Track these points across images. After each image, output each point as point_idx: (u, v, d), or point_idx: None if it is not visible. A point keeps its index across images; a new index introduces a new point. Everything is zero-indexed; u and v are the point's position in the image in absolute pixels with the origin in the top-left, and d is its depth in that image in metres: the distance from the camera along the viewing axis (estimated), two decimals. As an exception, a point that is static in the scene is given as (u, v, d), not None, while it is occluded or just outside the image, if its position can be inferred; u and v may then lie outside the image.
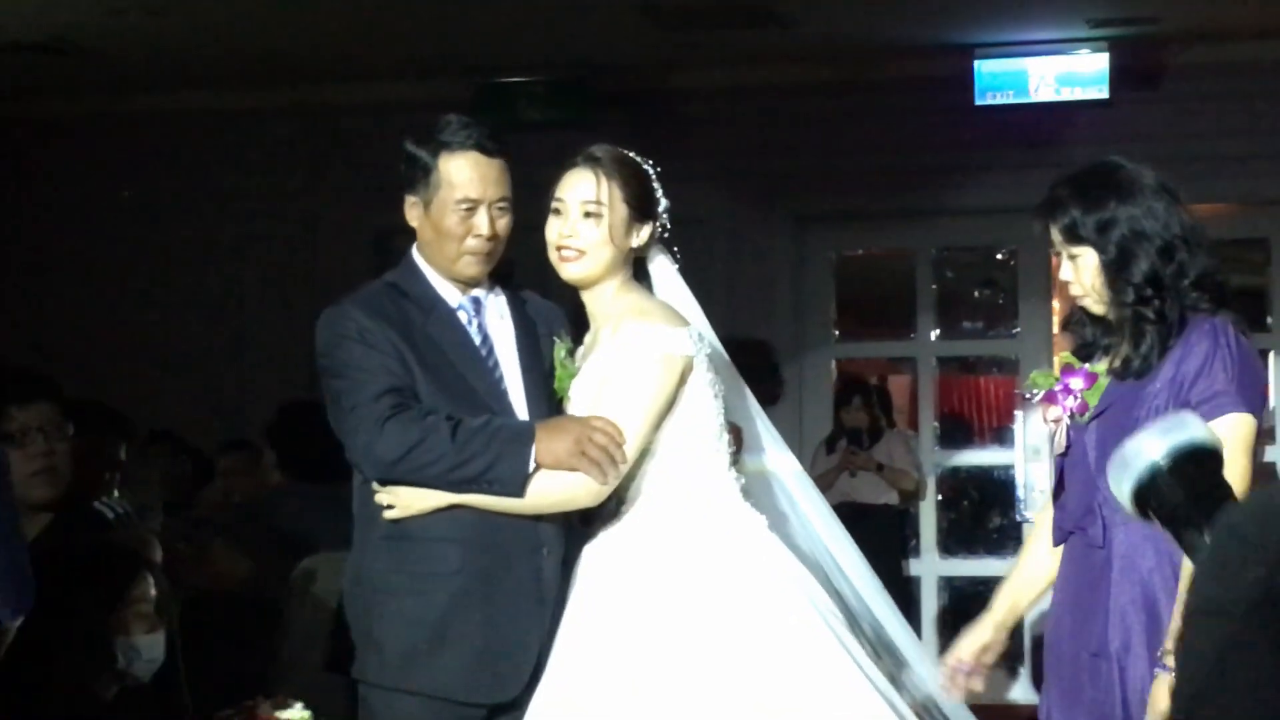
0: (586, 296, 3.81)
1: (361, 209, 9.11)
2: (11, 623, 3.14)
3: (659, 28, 8.54)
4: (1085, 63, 8.89)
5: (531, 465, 3.57)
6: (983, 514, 10.56)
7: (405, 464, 3.58)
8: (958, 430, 10.76)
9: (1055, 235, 3.61)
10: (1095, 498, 3.53)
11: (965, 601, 10.11)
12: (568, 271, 3.77)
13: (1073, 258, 3.59)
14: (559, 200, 3.77)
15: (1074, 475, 3.63)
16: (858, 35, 8.86)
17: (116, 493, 5.18)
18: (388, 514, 3.65)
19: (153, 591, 4.25)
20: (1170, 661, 3.34)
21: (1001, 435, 10.28)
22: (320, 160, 9.93)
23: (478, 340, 3.81)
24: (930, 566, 9.77)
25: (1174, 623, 3.38)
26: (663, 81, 9.51)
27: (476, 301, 3.84)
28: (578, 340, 3.89)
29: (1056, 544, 3.71)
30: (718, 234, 9.50)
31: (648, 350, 3.66)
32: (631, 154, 3.86)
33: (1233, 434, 3.36)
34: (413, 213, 3.82)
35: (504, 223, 3.80)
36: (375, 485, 3.68)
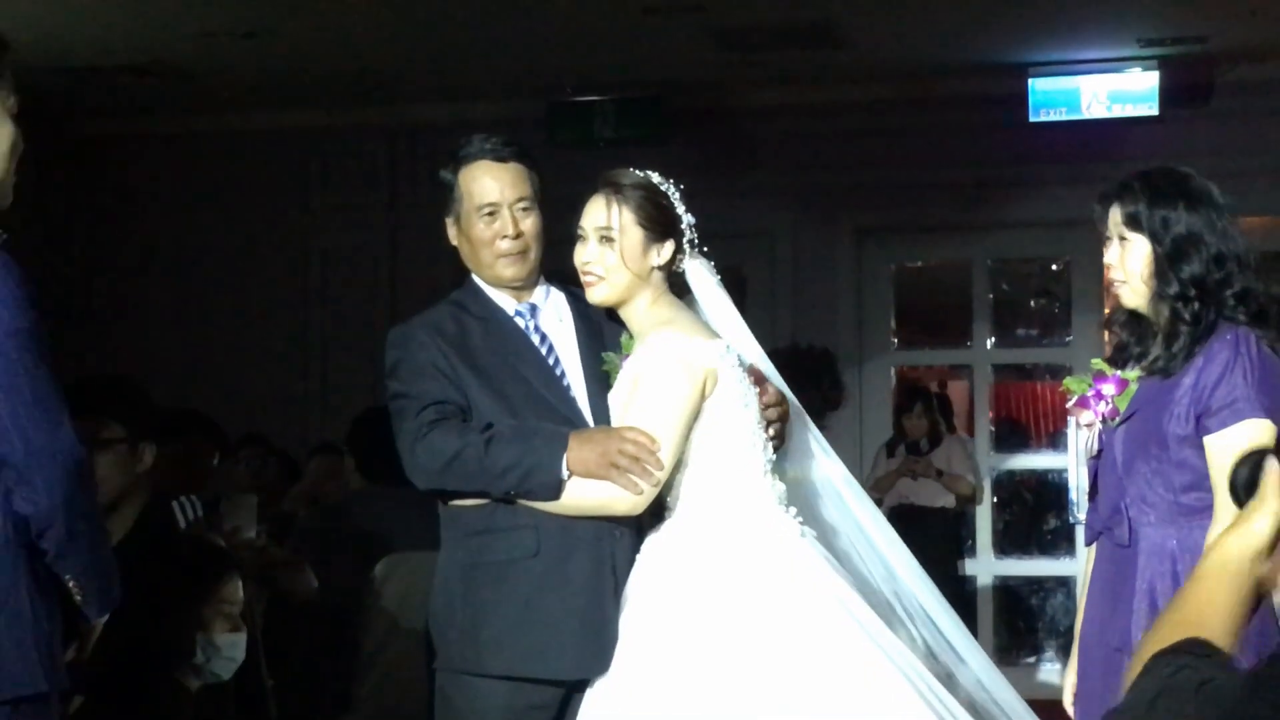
0: (622, 315, 3.81)
1: (440, 225, 9.15)
2: (98, 620, 3.18)
3: (727, 49, 8.55)
4: (1136, 80, 8.84)
5: (564, 474, 3.57)
6: (1037, 516, 10.52)
7: (446, 476, 3.62)
8: (1012, 434, 10.73)
9: (1115, 216, 3.60)
10: (1122, 499, 3.54)
11: (1019, 600, 10.10)
12: (592, 295, 3.77)
13: (1124, 241, 3.58)
14: (580, 228, 3.77)
15: (1104, 477, 3.63)
16: (916, 55, 8.84)
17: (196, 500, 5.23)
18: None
19: (240, 593, 4.28)
20: None
21: (1055, 439, 10.23)
22: (403, 177, 9.98)
23: (538, 342, 3.82)
24: (986, 566, 9.73)
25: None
26: (730, 100, 9.52)
27: (533, 307, 3.86)
28: None
29: (1088, 543, 3.73)
30: (783, 246, 9.50)
31: (663, 358, 3.64)
32: (649, 175, 3.81)
33: (1242, 441, 3.34)
34: (452, 232, 3.87)
35: (530, 222, 3.81)
36: (458, 503, 3.71)
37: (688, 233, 3.80)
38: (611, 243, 3.71)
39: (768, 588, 3.57)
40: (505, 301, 3.85)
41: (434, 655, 3.78)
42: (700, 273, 3.86)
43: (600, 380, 3.82)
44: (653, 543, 3.70)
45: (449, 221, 3.86)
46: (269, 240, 10.07)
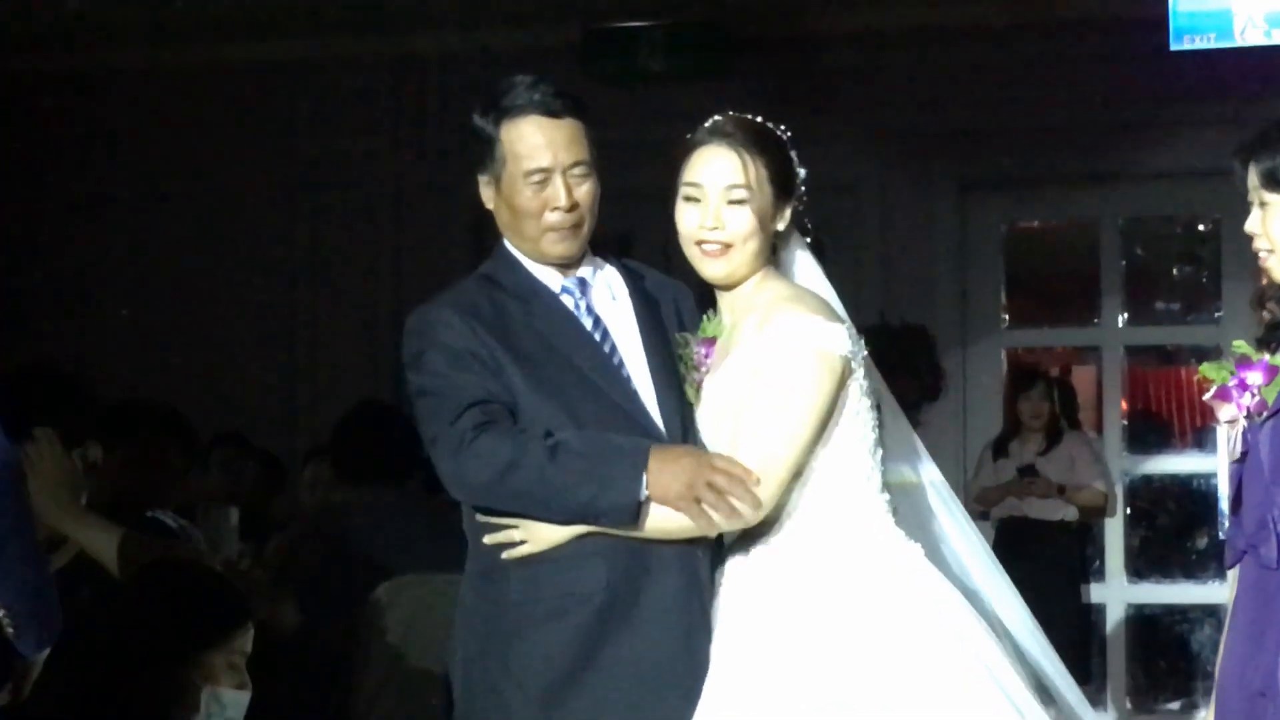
0: (728, 293, 3.83)
1: (454, 176, 9.15)
2: (37, 656, 3.18)
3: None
4: (1302, -1, 8.78)
5: (643, 496, 3.59)
6: (1180, 531, 10.48)
7: (499, 490, 3.63)
8: (1151, 432, 10.69)
9: (1252, 178, 3.59)
10: (1270, 511, 3.50)
11: (1158, 633, 10.06)
12: (713, 269, 3.79)
13: (1264, 205, 3.57)
14: (694, 185, 3.78)
15: (1250, 485, 3.60)
16: (1032, -31, 8.82)
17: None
18: (509, 553, 3.67)
19: (249, 646, 4.29)
20: None
21: (1203, 438, 10.19)
22: (410, 119, 10.00)
23: (589, 324, 3.83)
24: (1117, 592, 9.71)
25: None
26: (802, 25, 9.51)
27: (582, 283, 3.87)
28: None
29: (1229, 565, 3.70)
30: (867, 203, 9.49)
31: (798, 346, 3.67)
32: (764, 120, 3.87)
33: None
34: (487, 193, 3.86)
35: (585, 189, 3.82)
36: (484, 517, 3.71)
37: (800, 191, 3.86)
38: (744, 205, 3.75)
39: (900, 623, 3.64)
40: (549, 277, 3.86)
41: (451, 709, 3.79)
42: (798, 244, 3.91)
43: (667, 370, 3.83)
44: (755, 562, 3.72)
45: (484, 180, 3.85)
46: (248, 197, 10.09)
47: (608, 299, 3.88)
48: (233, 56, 9.92)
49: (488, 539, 3.70)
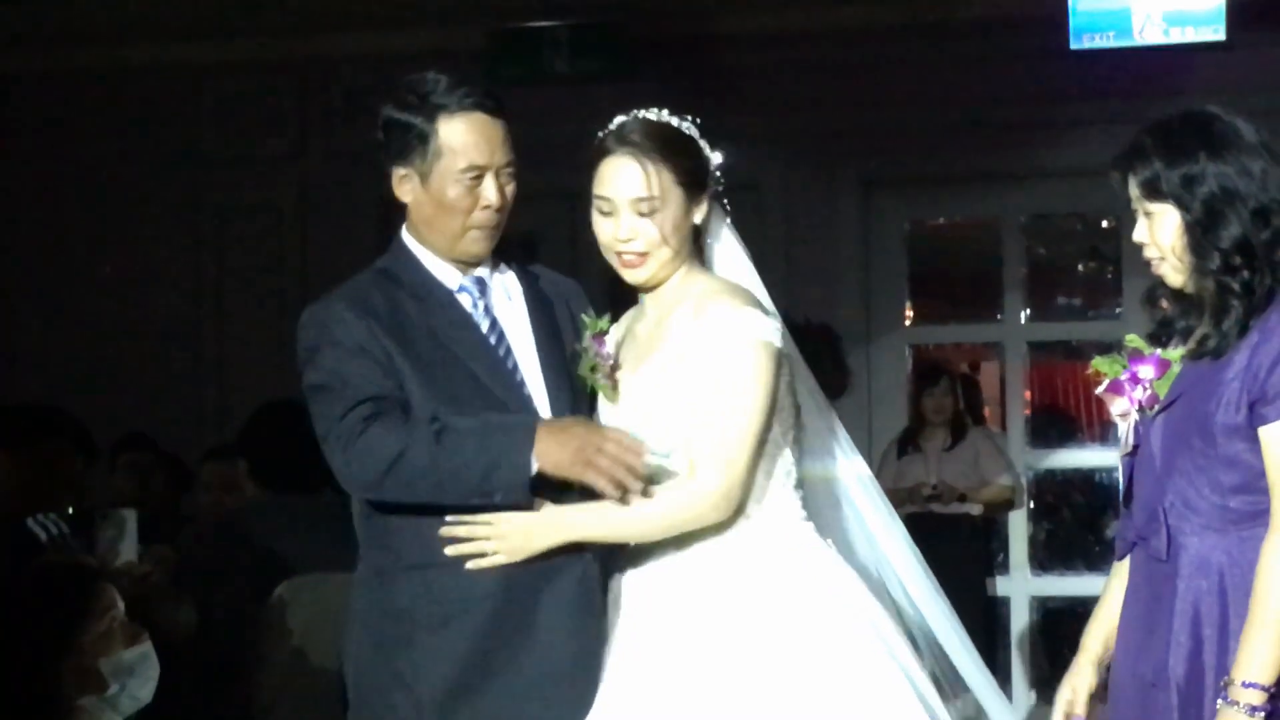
0: (652, 292, 3.85)
1: (360, 177, 9.12)
2: None
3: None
4: (1199, -2, 8.84)
5: (534, 468, 3.58)
6: (1083, 524, 10.54)
7: (389, 481, 3.61)
8: (1054, 426, 10.74)
9: (1133, 190, 3.60)
10: (1160, 503, 3.52)
11: (1061, 624, 10.10)
12: (635, 276, 3.81)
13: (1148, 215, 3.56)
14: (603, 199, 3.78)
15: (1141, 477, 3.61)
16: (933, -31, 8.84)
17: (71, 509, 5.19)
18: (479, 563, 3.66)
19: (119, 601, 4.26)
20: (1236, 694, 3.36)
21: (1106, 432, 10.24)
22: (315, 121, 9.96)
23: (485, 326, 3.83)
24: (1021, 585, 9.77)
25: (1243, 648, 3.39)
26: (705, 26, 9.51)
27: (480, 282, 3.86)
28: (615, 321, 3.91)
29: (1120, 557, 3.72)
30: (771, 202, 9.50)
31: (747, 337, 3.70)
32: (668, 118, 3.86)
33: None
34: (404, 187, 3.83)
35: (511, 189, 3.83)
36: (455, 516, 3.68)
37: (715, 176, 3.87)
38: (654, 214, 3.75)
39: (808, 618, 3.67)
40: (447, 275, 3.85)
41: (351, 710, 3.78)
42: (717, 217, 3.93)
43: (560, 372, 3.84)
44: (668, 560, 3.73)
45: (403, 173, 3.82)
46: (152, 198, 10.03)
47: (504, 299, 3.88)
48: (138, 59, 9.87)
49: (450, 550, 3.66)
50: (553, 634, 3.68)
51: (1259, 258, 3.45)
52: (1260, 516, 3.40)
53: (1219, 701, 3.39)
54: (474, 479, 3.58)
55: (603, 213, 3.78)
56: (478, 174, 3.77)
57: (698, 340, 3.71)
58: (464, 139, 3.77)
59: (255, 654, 5.58)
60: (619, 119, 3.86)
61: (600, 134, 3.84)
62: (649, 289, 3.83)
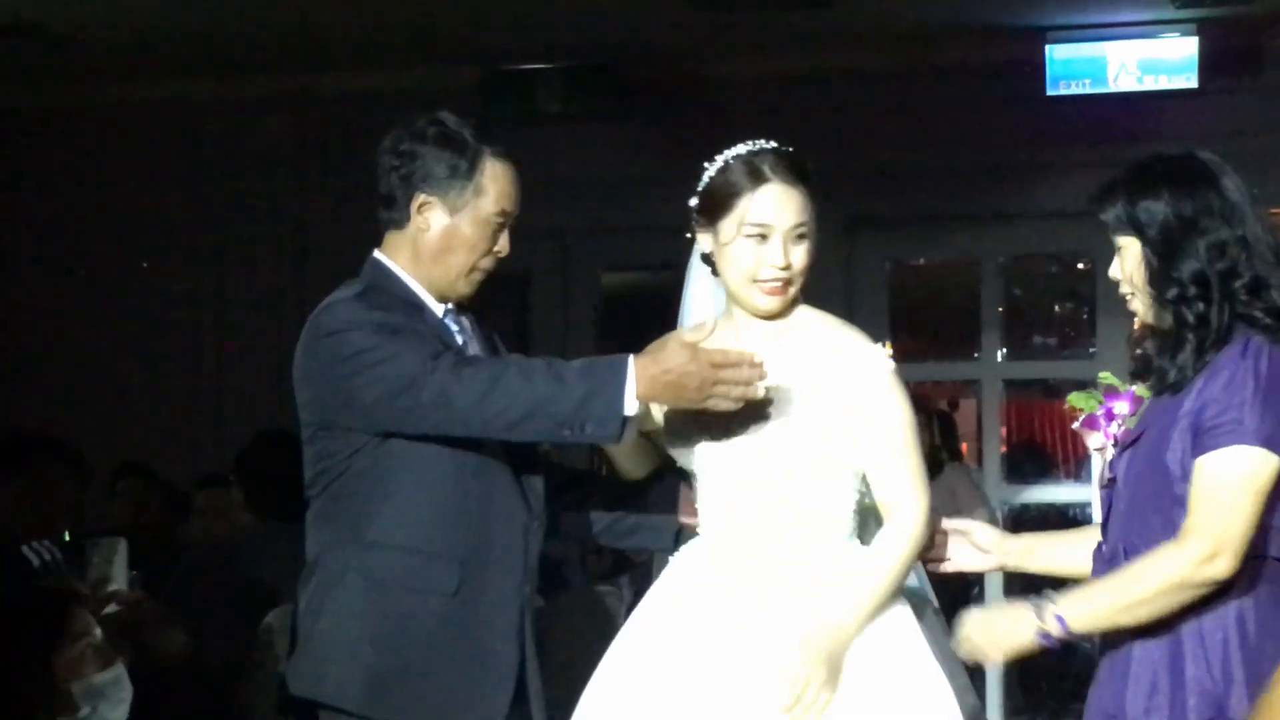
0: (763, 322, 3.84)
1: (357, 212, 9.12)
2: None
3: (692, 7, 8.55)
4: (1171, 47, 8.88)
5: (633, 407, 3.57)
6: (1056, 557, 10.52)
7: (491, 402, 3.57)
8: (1030, 461, 10.75)
9: (1108, 225, 3.60)
10: (1122, 540, 3.51)
11: (1035, 654, 10.08)
12: (772, 304, 3.80)
13: (1119, 249, 3.58)
14: (765, 226, 3.77)
15: (1113, 512, 3.60)
16: (915, 16, 8.87)
17: (68, 535, 5.18)
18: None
19: (94, 625, 4.25)
20: (1046, 616, 3.43)
21: (1080, 468, 10.25)
22: (310, 158, 9.96)
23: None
24: (996, 616, 9.72)
25: (1092, 595, 3.46)
26: (697, 69, 9.53)
27: (457, 318, 3.90)
28: None
29: None
30: (758, 240, 9.49)
31: (893, 373, 3.84)
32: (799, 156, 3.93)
33: (1229, 469, 3.34)
34: (426, 215, 3.84)
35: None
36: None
37: None
38: (806, 240, 3.80)
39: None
40: (431, 302, 3.87)
41: (298, 676, 3.81)
42: None
43: None
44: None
45: (427, 200, 3.83)
46: (152, 232, 10.04)
47: (470, 336, 3.91)
48: (141, 95, 9.87)
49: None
50: (493, 636, 3.75)
51: (1215, 291, 3.44)
52: None
53: (1029, 601, 3.47)
54: (569, 407, 3.56)
55: (759, 239, 3.77)
56: (504, 221, 3.83)
57: (848, 375, 3.78)
58: (503, 185, 3.83)
59: (246, 680, 5.57)
60: (746, 149, 3.90)
61: (730, 163, 3.87)
62: (772, 318, 3.82)
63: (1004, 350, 9.92)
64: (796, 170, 3.83)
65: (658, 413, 3.81)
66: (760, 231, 3.75)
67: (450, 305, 3.87)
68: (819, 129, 9.49)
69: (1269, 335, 3.41)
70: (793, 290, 3.80)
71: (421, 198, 3.82)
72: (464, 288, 3.84)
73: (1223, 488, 3.34)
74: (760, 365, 3.58)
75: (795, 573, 3.71)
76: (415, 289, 3.85)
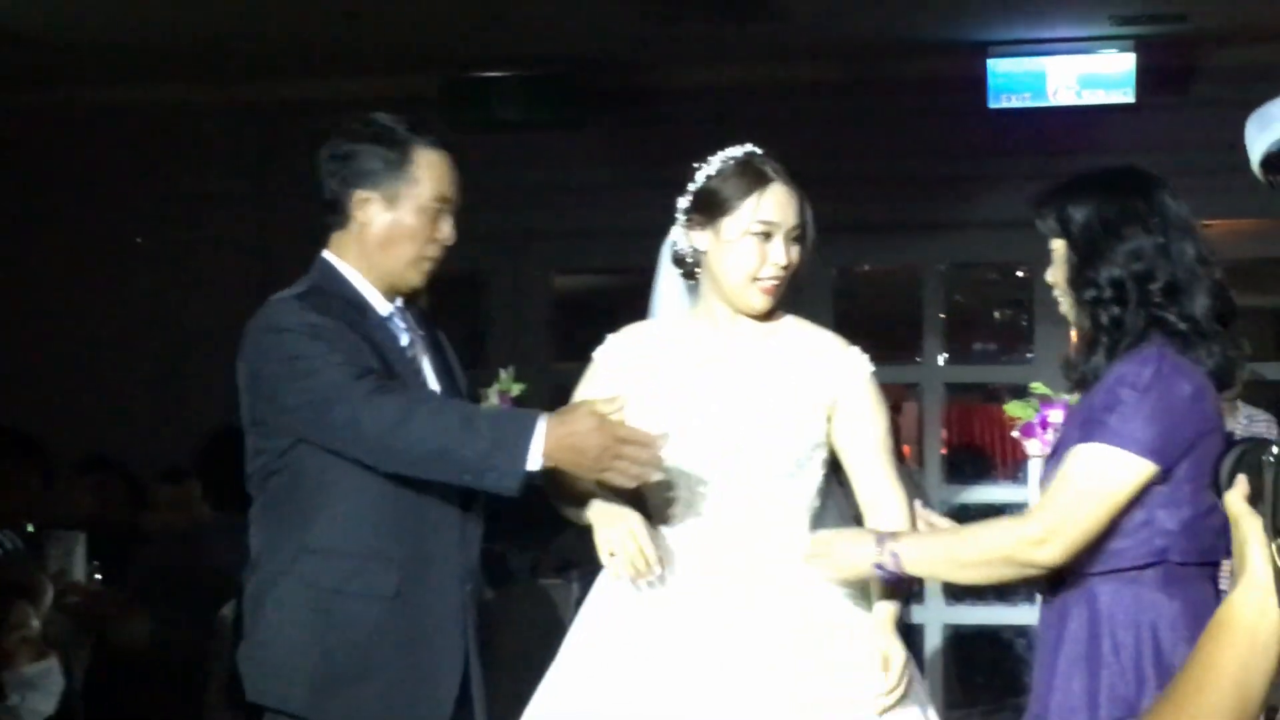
0: (747, 323, 3.90)
1: (315, 216, 9.15)
2: None
3: (648, 19, 8.57)
4: (1109, 63, 8.95)
5: (538, 464, 3.53)
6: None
7: (396, 438, 3.55)
8: (969, 463, 10.81)
9: (1042, 229, 3.67)
10: None
11: (973, 652, 10.18)
12: (766, 303, 3.87)
13: (1052, 252, 3.65)
14: (771, 224, 3.85)
15: None
16: (862, 30, 8.91)
17: (30, 526, 5.19)
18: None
19: (34, 620, 4.26)
20: (883, 549, 3.51)
21: (1019, 470, 10.32)
22: (276, 162, 9.96)
23: (409, 353, 3.87)
24: (935, 613, 9.81)
25: (932, 544, 3.55)
26: (650, 79, 9.56)
27: (403, 313, 3.90)
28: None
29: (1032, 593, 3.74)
30: (707, 246, 9.54)
31: (869, 372, 3.89)
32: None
33: (1085, 464, 3.38)
34: (366, 210, 3.85)
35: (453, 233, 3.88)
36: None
37: None
38: (800, 242, 3.88)
39: None
40: (376, 300, 3.87)
41: (244, 685, 3.79)
42: None
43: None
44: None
45: (365, 196, 3.85)
46: (117, 232, 10.03)
47: (417, 334, 3.92)
48: (106, 98, 9.85)
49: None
50: (435, 636, 3.72)
51: (1131, 295, 3.48)
52: (1125, 562, 3.42)
53: (875, 533, 3.57)
54: (474, 454, 3.53)
55: (763, 236, 3.84)
56: (443, 208, 3.83)
57: (831, 376, 3.83)
58: (438, 171, 3.83)
59: (203, 671, 5.58)
60: (744, 150, 4.05)
61: (732, 163, 4.01)
62: (760, 319, 3.88)
63: (945, 355, 9.98)
64: (792, 175, 3.95)
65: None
66: (766, 230, 3.82)
67: (398, 304, 3.87)
68: (767, 138, 9.48)
69: (1180, 342, 3.45)
70: (780, 290, 3.84)
71: (360, 194, 3.84)
72: (413, 278, 3.84)
73: (1074, 480, 3.39)
74: (661, 451, 3.55)
75: (782, 570, 3.74)
76: (361, 287, 3.85)
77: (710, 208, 3.87)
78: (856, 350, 3.90)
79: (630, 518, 3.69)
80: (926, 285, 9.90)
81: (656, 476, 3.60)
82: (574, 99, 9.20)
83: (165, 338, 10.08)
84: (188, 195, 10.04)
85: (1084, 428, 3.41)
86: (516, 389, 3.94)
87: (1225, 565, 3.56)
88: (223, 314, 9.82)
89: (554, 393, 9.62)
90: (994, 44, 8.99)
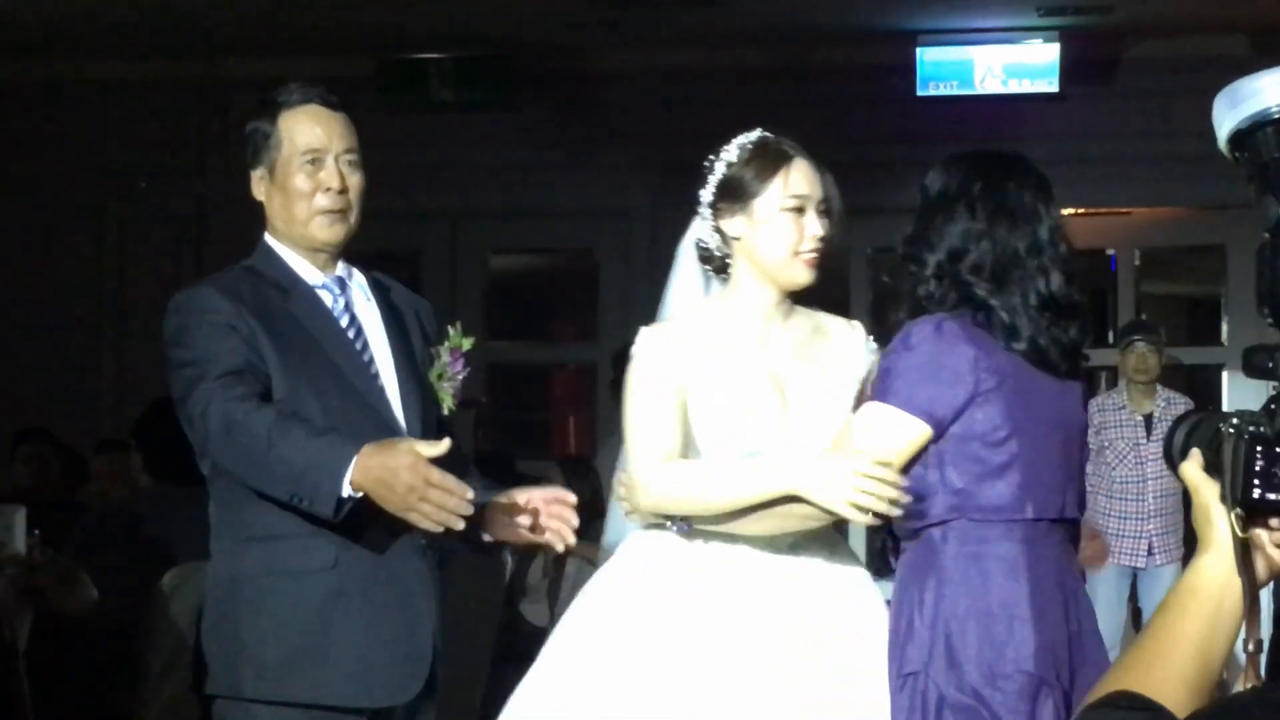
0: (781, 301, 3.86)
1: (246, 180, 9.10)
2: None
3: (582, 3, 8.57)
4: (1035, 53, 8.99)
5: (348, 491, 3.44)
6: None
7: (225, 443, 3.51)
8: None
9: None
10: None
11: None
12: (812, 276, 3.80)
13: None
14: (803, 197, 3.80)
15: None
16: (794, 17, 8.92)
17: None
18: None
19: None
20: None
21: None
22: (214, 139, 9.91)
23: (344, 321, 3.78)
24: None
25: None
26: (585, 62, 9.54)
27: (340, 282, 3.82)
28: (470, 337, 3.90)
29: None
30: (640, 227, 9.51)
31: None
32: None
33: (861, 419, 3.49)
34: (260, 187, 3.81)
35: (356, 179, 3.80)
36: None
37: None
38: (827, 215, 3.79)
39: None
40: (309, 272, 3.81)
41: (201, 678, 3.74)
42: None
43: (411, 374, 3.80)
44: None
45: (257, 175, 3.81)
46: (57, 207, 9.97)
47: (362, 300, 3.84)
48: (46, 73, 9.80)
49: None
50: (386, 609, 3.66)
51: (943, 269, 3.54)
52: (928, 520, 3.50)
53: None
54: (292, 473, 3.46)
55: (798, 210, 3.79)
56: (315, 158, 3.75)
57: (860, 351, 3.84)
58: (301, 127, 3.76)
59: (143, 639, 5.55)
60: (757, 134, 4.02)
61: (753, 146, 3.97)
62: (792, 291, 3.83)
63: (872, 335, 9.99)
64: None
65: (703, 405, 3.78)
66: (799, 204, 3.78)
67: (336, 274, 3.80)
68: (703, 122, 9.51)
69: (985, 317, 3.49)
70: (818, 263, 3.80)
71: (255, 174, 3.81)
72: (319, 233, 3.76)
73: (855, 437, 3.48)
74: (468, 504, 3.43)
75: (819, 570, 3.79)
76: (292, 261, 3.79)
77: (739, 193, 3.85)
78: (860, 325, 3.91)
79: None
80: (853, 267, 9.91)
81: (459, 525, 3.48)
82: (511, 81, 9.17)
83: (102, 310, 10.02)
84: (126, 170, 9.98)
85: (878, 385, 3.53)
86: (467, 344, 3.85)
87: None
88: (160, 287, 9.80)
89: (489, 371, 9.62)
90: (923, 33, 9.04)
